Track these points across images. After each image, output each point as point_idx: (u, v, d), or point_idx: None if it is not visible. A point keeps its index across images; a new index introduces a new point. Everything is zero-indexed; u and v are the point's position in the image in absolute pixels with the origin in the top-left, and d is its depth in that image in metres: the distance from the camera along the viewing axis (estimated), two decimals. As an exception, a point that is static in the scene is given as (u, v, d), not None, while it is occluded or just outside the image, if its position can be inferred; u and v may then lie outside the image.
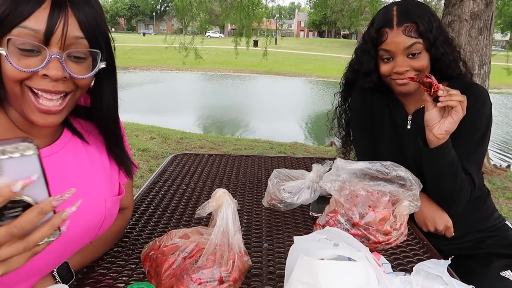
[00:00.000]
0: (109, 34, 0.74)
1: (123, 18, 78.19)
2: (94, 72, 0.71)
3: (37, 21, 0.62)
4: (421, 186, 0.98)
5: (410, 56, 1.10)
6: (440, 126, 1.03)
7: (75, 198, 0.77)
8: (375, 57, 1.18)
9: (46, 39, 0.63)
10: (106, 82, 0.78)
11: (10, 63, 0.62)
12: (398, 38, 1.09)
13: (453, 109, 1.00)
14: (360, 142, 1.40)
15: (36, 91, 0.66)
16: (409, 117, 1.25)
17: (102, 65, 0.71)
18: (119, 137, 0.87)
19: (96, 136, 0.87)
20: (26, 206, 0.51)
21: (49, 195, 0.52)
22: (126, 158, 0.90)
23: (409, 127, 1.25)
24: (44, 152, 0.75)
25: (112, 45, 0.75)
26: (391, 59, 1.14)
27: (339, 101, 1.46)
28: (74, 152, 0.81)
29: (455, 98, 0.98)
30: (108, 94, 0.79)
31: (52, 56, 0.64)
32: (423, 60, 1.11)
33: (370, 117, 1.34)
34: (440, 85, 1.00)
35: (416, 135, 1.17)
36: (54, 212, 0.53)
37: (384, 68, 1.16)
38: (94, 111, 0.81)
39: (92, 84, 0.77)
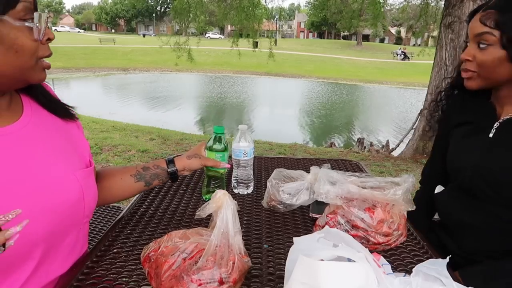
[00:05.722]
0: None
1: (123, 20, 78.29)
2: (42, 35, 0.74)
3: None
4: (414, 185, 0.98)
5: (480, 46, 0.97)
6: None
7: (42, 175, 0.76)
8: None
9: (34, 6, 0.69)
10: None
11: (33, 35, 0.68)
12: (473, 23, 0.99)
13: None
14: (434, 143, 1.30)
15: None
16: (495, 124, 1.04)
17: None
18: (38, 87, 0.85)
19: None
20: None
21: None
22: (58, 103, 0.88)
23: (491, 135, 1.04)
24: (7, 130, 0.74)
25: None
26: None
27: (447, 86, 1.25)
28: (39, 126, 0.80)
29: None
30: None
31: (49, 20, 0.70)
32: (490, 55, 0.95)
33: (451, 122, 1.18)
34: None
35: (498, 148, 1.01)
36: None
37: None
38: None
39: None
